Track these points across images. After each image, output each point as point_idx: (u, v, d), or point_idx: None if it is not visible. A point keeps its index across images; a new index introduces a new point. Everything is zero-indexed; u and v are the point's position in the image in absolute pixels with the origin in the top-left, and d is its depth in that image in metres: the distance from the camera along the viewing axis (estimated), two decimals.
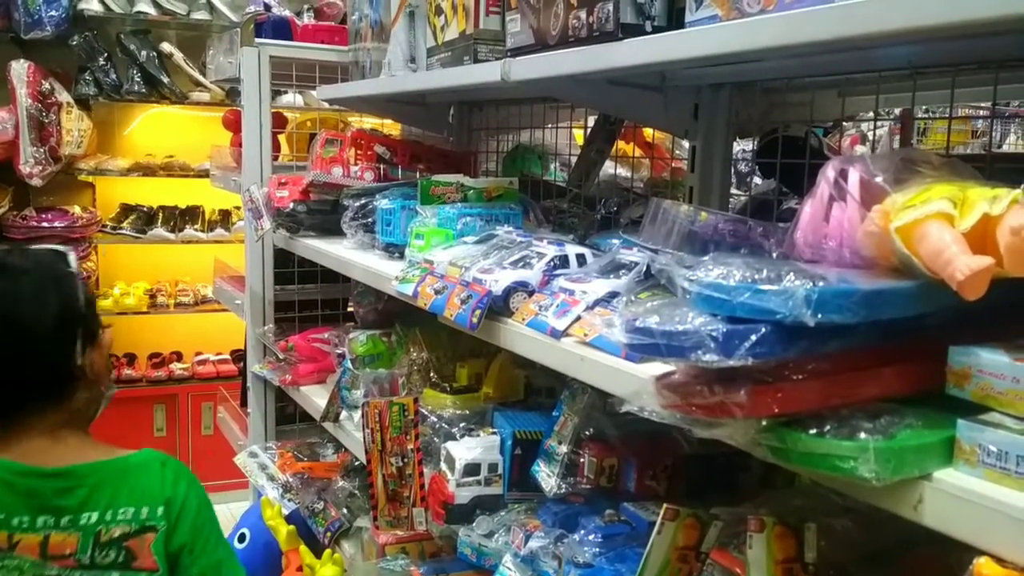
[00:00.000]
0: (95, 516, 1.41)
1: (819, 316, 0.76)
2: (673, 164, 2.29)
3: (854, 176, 0.92)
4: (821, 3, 0.99)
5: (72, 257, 1.54)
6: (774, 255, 1.16)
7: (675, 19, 1.30)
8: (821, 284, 0.78)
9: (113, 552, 1.40)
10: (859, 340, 0.83)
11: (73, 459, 1.44)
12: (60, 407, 1.47)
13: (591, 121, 2.31)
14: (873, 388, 0.85)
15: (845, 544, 1.12)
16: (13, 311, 1.42)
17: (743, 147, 2.20)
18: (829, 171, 0.94)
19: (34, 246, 1.61)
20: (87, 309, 1.51)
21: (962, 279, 0.75)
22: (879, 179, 0.89)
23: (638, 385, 0.98)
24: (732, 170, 1.86)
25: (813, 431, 0.80)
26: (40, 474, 1.41)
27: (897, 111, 2.47)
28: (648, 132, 2.39)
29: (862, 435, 0.78)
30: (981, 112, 2.43)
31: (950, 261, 0.76)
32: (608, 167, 2.32)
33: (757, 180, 2.20)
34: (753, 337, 0.77)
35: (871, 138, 2.83)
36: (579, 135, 2.60)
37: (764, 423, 0.82)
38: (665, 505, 1.10)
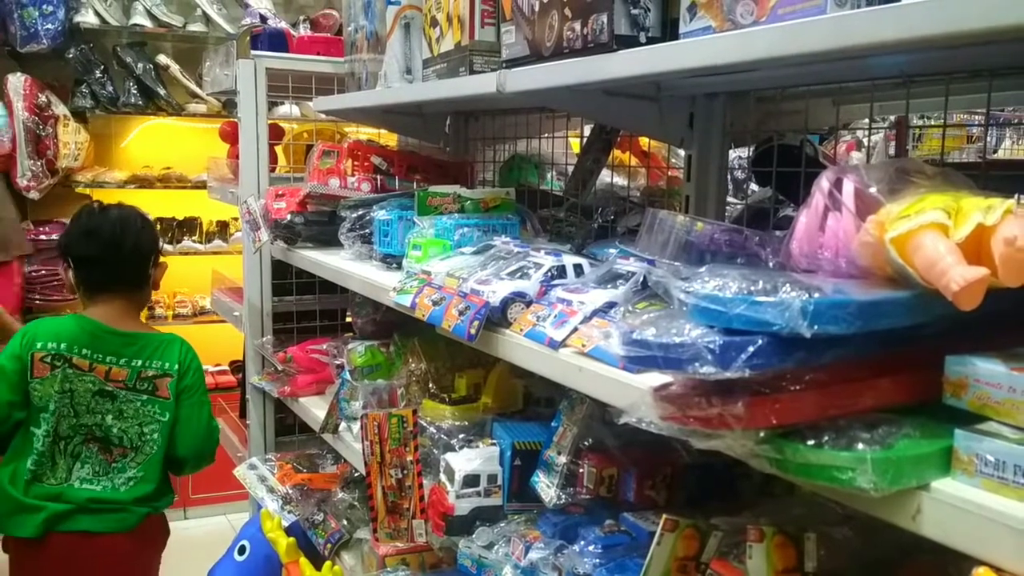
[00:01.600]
0: (139, 362, 2.38)
1: (815, 327, 0.77)
2: (669, 173, 2.29)
3: (849, 186, 0.92)
4: (813, 14, 1.00)
5: (147, 214, 2.59)
6: (770, 265, 1.16)
7: (669, 30, 1.31)
8: (817, 295, 0.78)
9: (146, 384, 2.39)
10: (855, 350, 0.83)
11: (132, 328, 2.44)
12: (131, 296, 2.48)
13: (587, 130, 2.32)
14: (870, 398, 0.85)
15: (845, 553, 1.12)
16: (121, 232, 2.42)
17: (738, 154, 2.22)
18: (824, 181, 0.95)
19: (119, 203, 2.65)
20: (157, 243, 2.55)
21: (957, 289, 0.75)
22: (873, 189, 0.90)
23: (636, 396, 0.98)
24: (728, 178, 1.86)
25: (811, 442, 0.80)
26: (113, 332, 2.39)
27: (892, 118, 2.49)
28: (644, 141, 2.40)
29: (860, 446, 0.78)
30: (976, 119, 2.45)
31: (945, 272, 0.76)
32: (604, 176, 2.33)
33: (754, 187, 2.21)
34: (750, 349, 0.77)
35: (866, 144, 2.85)
36: (575, 143, 2.61)
37: (762, 434, 0.82)
38: (664, 516, 1.10)
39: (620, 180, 2.39)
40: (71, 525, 2.32)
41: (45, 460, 2.32)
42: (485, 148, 2.75)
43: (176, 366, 2.40)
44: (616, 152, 2.39)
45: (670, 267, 1.12)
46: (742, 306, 0.78)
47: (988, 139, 2.93)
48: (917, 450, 0.80)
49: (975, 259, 0.79)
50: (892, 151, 2.83)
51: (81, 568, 2.34)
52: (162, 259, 2.57)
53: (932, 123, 2.94)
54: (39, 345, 2.31)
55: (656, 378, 0.97)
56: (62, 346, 2.32)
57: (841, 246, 0.92)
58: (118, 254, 2.40)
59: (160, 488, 2.43)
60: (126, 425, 2.37)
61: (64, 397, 2.32)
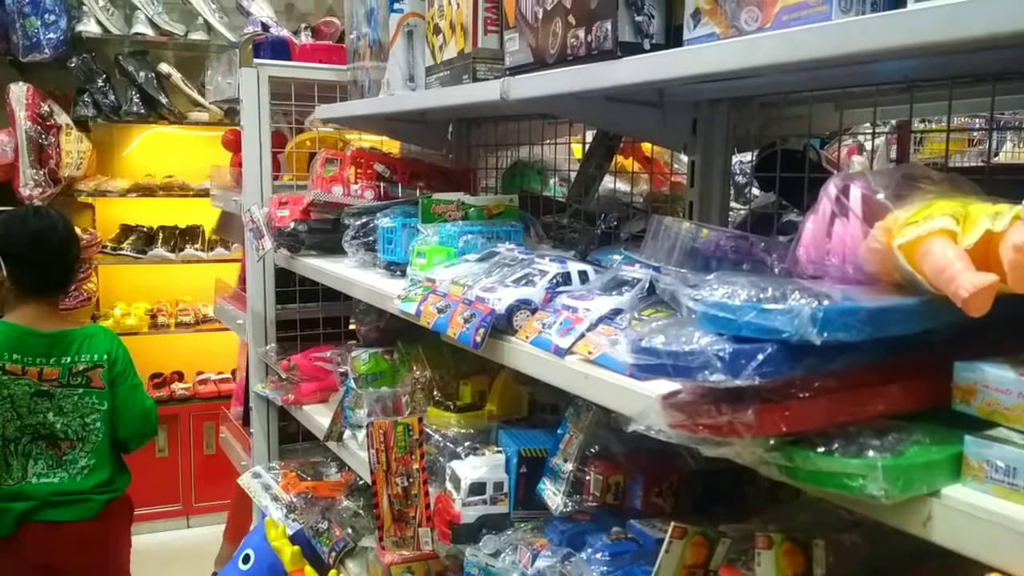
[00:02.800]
0: (68, 359, 2.54)
1: (825, 334, 0.76)
2: (672, 178, 2.29)
3: (856, 192, 0.92)
4: (818, 20, 1.00)
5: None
6: (776, 271, 1.16)
7: (673, 37, 1.31)
8: (826, 302, 0.78)
9: (79, 378, 2.56)
10: (865, 357, 0.83)
11: (56, 327, 2.58)
12: (54, 298, 2.64)
13: (589, 136, 2.32)
14: (880, 405, 0.85)
15: (854, 559, 1.12)
16: (52, 236, 2.57)
17: (739, 158, 2.22)
18: (831, 187, 0.95)
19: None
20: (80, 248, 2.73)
21: (966, 296, 0.75)
22: (881, 195, 0.90)
23: (644, 404, 0.98)
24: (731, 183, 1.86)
25: (821, 449, 0.80)
26: (38, 334, 2.54)
27: (893, 122, 2.49)
28: (647, 146, 2.40)
29: (870, 453, 0.78)
30: (977, 122, 2.45)
31: (954, 278, 0.76)
32: (607, 182, 2.33)
33: (755, 191, 2.21)
34: (759, 356, 0.77)
35: (868, 148, 2.84)
36: (577, 149, 2.61)
37: (772, 442, 0.82)
38: (673, 523, 1.10)
39: (623, 186, 2.40)
40: (39, 517, 2.51)
41: (12, 460, 2.51)
42: (488, 154, 2.76)
43: (105, 356, 2.59)
44: (619, 158, 2.39)
45: (678, 274, 1.12)
46: (752, 313, 0.78)
47: (986, 139, 2.93)
48: (927, 457, 0.79)
49: (983, 265, 0.78)
50: (894, 155, 2.84)
51: (54, 555, 2.52)
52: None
53: (933, 127, 2.94)
54: None
55: (664, 386, 0.97)
56: None
57: (848, 252, 0.92)
58: (62, 258, 2.60)
59: (114, 473, 2.65)
60: (68, 419, 2.56)
61: (4, 402, 2.49)
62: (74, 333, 2.60)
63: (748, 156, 2.08)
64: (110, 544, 2.70)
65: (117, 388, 2.61)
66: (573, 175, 2.39)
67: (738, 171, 2.21)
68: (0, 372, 2.47)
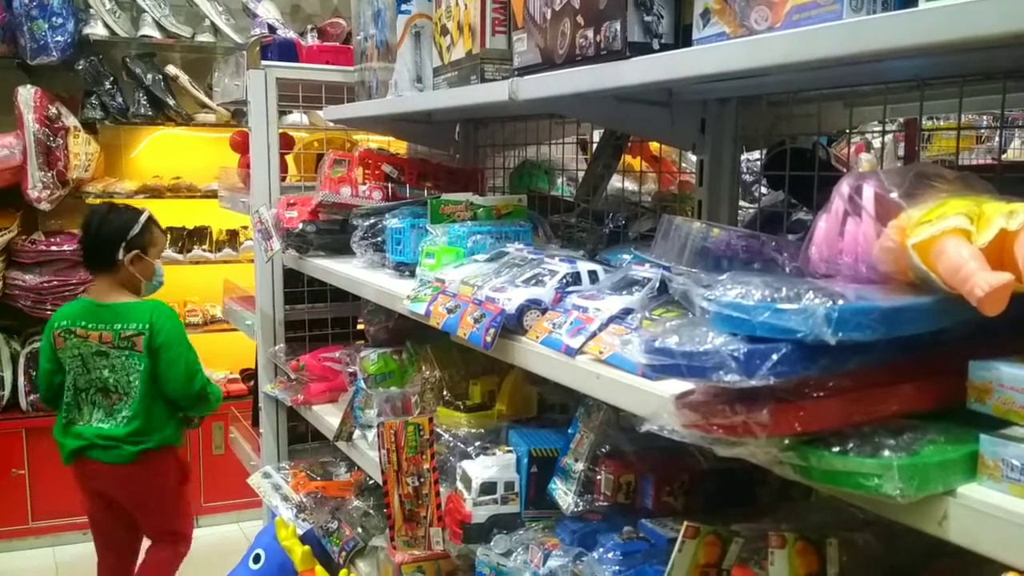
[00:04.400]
0: (119, 326, 3.03)
1: (840, 334, 0.76)
2: (680, 177, 2.29)
3: (868, 191, 0.92)
4: (829, 19, 1.00)
5: (144, 214, 3.16)
6: (787, 270, 1.16)
7: (682, 36, 1.31)
8: (840, 302, 0.78)
9: (126, 342, 3.03)
10: (879, 356, 0.83)
11: (115, 300, 3.08)
12: (111, 276, 3.11)
13: (596, 136, 2.32)
14: (894, 404, 0.85)
15: (867, 558, 1.12)
16: (90, 224, 3.14)
17: (746, 157, 2.21)
18: (844, 187, 0.95)
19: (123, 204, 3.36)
20: (135, 237, 3.10)
21: (982, 295, 0.75)
22: (894, 194, 0.90)
23: (656, 404, 0.98)
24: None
25: (836, 449, 0.80)
26: (101, 305, 3.08)
27: (901, 120, 2.48)
28: (655, 145, 2.40)
29: (886, 452, 0.78)
30: (984, 120, 2.44)
31: (969, 277, 0.76)
32: (615, 181, 2.33)
33: (763, 189, 2.21)
34: (774, 356, 0.77)
35: (876, 146, 2.84)
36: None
37: (786, 442, 0.82)
38: (686, 523, 1.10)
39: (631, 185, 2.40)
40: (89, 455, 3.10)
41: (73, 408, 3.11)
42: (495, 154, 2.76)
43: (146, 325, 3.03)
44: (627, 157, 2.39)
45: (691, 274, 1.12)
46: (766, 313, 0.78)
47: (997, 139, 2.92)
48: (943, 456, 0.79)
49: (998, 264, 0.78)
50: (901, 153, 2.83)
51: (102, 487, 3.17)
52: (139, 254, 3.12)
53: (941, 124, 2.93)
54: (56, 324, 3.10)
55: (676, 385, 0.98)
56: (68, 323, 3.08)
57: (861, 251, 0.92)
58: (89, 243, 3.16)
59: (149, 425, 3.09)
60: (118, 376, 3.08)
61: (76, 360, 3.08)
62: (128, 305, 3.09)
63: (755, 154, 2.08)
64: (144, 487, 3.18)
65: (160, 355, 3.03)
66: (580, 175, 2.39)
67: (745, 169, 2.21)
68: (74, 336, 3.06)
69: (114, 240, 3.07)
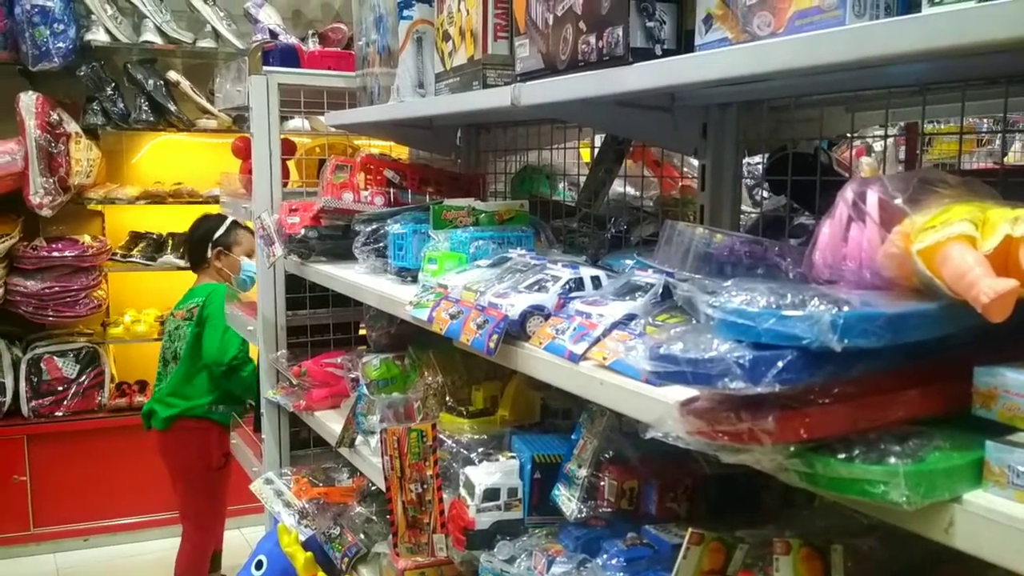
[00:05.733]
0: (190, 302, 3.66)
1: (845, 341, 0.76)
2: (682, 182, 2.29)
3: (872, 197, 0.92)
4: (831, 25, 1.00)
5: (230, 218, 3.71)
6: (791, 275, 1.16)
7: (684, 42, 1.32)
8: (846, 309, 0.78)
9: (188, 314, 3.62)
10: (884, 363, 0.83)
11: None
12: (203, 272, 3.77)
13: (598, 141, 2.32)
14: (900, 410, 0.85)
15: (872, 564, 1.12)
16: (192, 231, 3.87)
17: (747, 161, 2.21)
18: (848, 192, 0.95)
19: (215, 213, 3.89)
20: (220, 237, 3.73)
21: (987, 302, 0.75)
22: (898, 200, 0.90)
23: (661, 410, 0.98)
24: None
25: (842, 456, 0.80)
26: (188, 291, 3.76)
27: (902, 123, 2.48)
28: (656, 150, 2.40)
29: (892, 459, 0.77)
30: (984, 123, 2.44)
31: (974, 284, 0.76)
32: (617, 185, 2.33)
33: (764, 193, 2.21)
34: (780, 364, 0.77)
35: (877, 150, 2.83)
36: (586, 153, 2.62)
37: (792, 449, 0.82)
38: (690, 529, 1.10)
39: (632, 190, 2.40)
40: (150, 423, 3.64)
41: (161, 376, 3.71)
42: (496, 159, 2.76)
43: (203, 299, 3.55)
44: (628, 161, 2.39)
45: (696, 281, 1.12)
46: (771, 320, 0.78)
47: (997, 144, 2.92)
48: (949, 462, 0.79)
49: (1003, 270, 0.78)
50: (902, 157, 2.83)
51: (156, 452, 3.68)
52: (223, 251, 3.72)
53: (942, 128, 2.93)
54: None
55: (680, 392, 0.97)
56: (173, 310, 3.83)
57: (865, 257, 0.92)
58: (188, 245, 3.93)
59: (184, 390, 3.55)
60: (177, 345, 3.63)
61: (165, 336, 3.80)
62: (201, 286, 3.71)
63: (756, 158, 2.08)
64: (171, 457, 3.60)
65: (206, 323, 3.50)
66: (582, 179, 2.39)
67: (746, 173, 2.21)
68: (171, 317, 3.76)
69: (204, 241, 3.73)
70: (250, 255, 3.58)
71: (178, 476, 3.64)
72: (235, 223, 3.69)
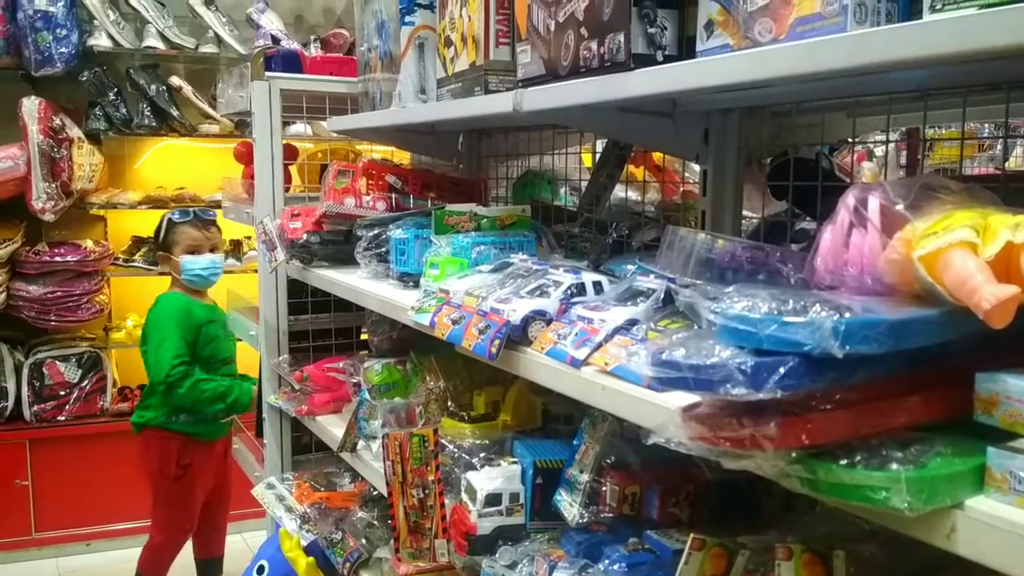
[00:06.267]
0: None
1: (847, 347, 0.77)
2: (684, 187, 2.29)
3: (874, 203, 0.92)
4: (833, 32, 1.00)
5: (164, 218, 3.58)
6: (792, 281, 1.16)
7: (685, 48, 1.32)
8: (848, 315, 0.78)
9: None
10: (886, 369, 0.83)
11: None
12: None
13: (599, 146, 2.32)
14: (902, 416, 0.85)
15: (874, 570, 1.12)
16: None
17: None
18: (849, 198, 0.95)
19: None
20: (161, 241, 3.56)
21: (988, 308, 0.75)
22: (899, 206, 0.90)
23: (663, 415, 0.98)
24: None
25: (844, 462, 0.80)
26: None
27: (903, 129, 2.48)
28: (658, 155, 2.40)
29: (893, 465, 0.78)
30: (986, 128, 2.45)
31: (975, 290, 0.76)
32: (618, 190, 2.33)
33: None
34: (782, 370, 0.77)
35: (878, 155, 2.84)
36: (587, 158, 2.62)
37: (794, 455, 0.82)
38: (692, 535, 1.10)
39: (634, 195, 2.40)
40: None
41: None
42: (498, 164, 2.76)
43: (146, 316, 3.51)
44: (630, 167, 2.40)
45: (698, 286, 1.12)
46: (773, 326, 0.79)
47: (999, 149, 2.92)
48: (950, 468, 0.79)
49: (1004, 277, 0.79)
50: (903, 162, 2.83)
51: None
52: (164, 255, 3.56)
53: (943, 134, 2.93)
54: None
55: (682, 397, 0.98)
56: None
57: (867, 263, 0.92)
58: None
59: (146, 401, 3.50)
60: None
61: None
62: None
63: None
64: (140, 463, 3.58)
65: (146, 342, 3.46)
66: (583, 184, 2.39)
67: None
68: None
69: (155, 249, 3.70)
70: (193, 251, 3.47)
71: (144, 481, 3.62)
72: (171, 221, 3.52)
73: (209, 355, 3.48)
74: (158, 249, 3.63)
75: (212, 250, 3.53)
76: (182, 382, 3.30)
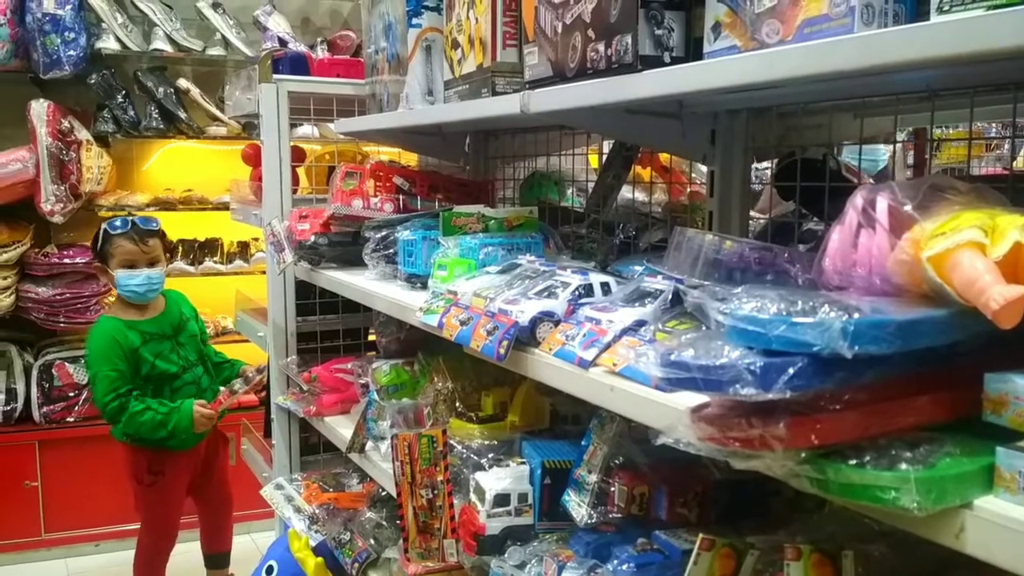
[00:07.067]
0: None
1: (856, 348, 0.77)
2: (691, 188, 2.30)
3: (882, 204, 0.93)
4: (840, 33, 1.00)
5: (100, 228, 3.37)
6: (801, 282, 1.16)
7: (692, 49, 1.32)
8: (856, 315, 0.78)
9: None
10: (895, 369, 0.83)
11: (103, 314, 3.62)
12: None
13: (606, 147, 2.33)
14: (911, 417, 0.85)
15: (883, 570, 1.12)
16: None
17: (754, 166, 2.21)
18: (858, 199, 0.95)
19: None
20: (100, 251, 3.35)
21: (997, 308, 0.75)
22: (907, 207, 0.90)
23: (672, 416, 0.99)
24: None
25: (853, 462, 0.80)
26: None
27: (910, 129, 2.48)
28: (664, 156, 2.41)
29: (903, 465, 0.78)
30: (993, 127, 2.44)
31: (984, 291, 0.76)
32: (625, 191, 2.34)
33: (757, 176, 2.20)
34: (791, 370, 0.78)
35: (891, 155, 2.83)
36: (594, 159, 2.62)
37: (803, 455, 0.82)
38: (701, 535, 1.10)
39: (641, 196, 2.40)
40: None
41: None
42: (505, 166, 2.77)
43: None
44: (636, 168, 2.40)
45: (706, 287, 1.13)
46: (782, 327, 0.79)
47: (1008, 149, 2.91)
48: (959, 468, 0.80)
49: (1012, 277, 0.79)
50: (911, 162, 2.82)
51: None
52: (100, 267, 3.40)
53: (950, 134, 2.92)
54: None
55: (691, 398, 0.98)
56: None
57: (875, 263, 0.92)
58: None
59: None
60: None
61: None
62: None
63: (764, 164, 2.08)
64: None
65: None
66: (590, 185, 2.40)
67: (754, 178, 2.22)
68: None
69: (94, 258, 3.44)
70: (130, 265, 3.26)
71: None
72: (106, 232, 3.30)
73: (156, 374, 3.30)
74: (95, 259, 3.42)
75: (152, 264, 3.29)
76: (118, 416, 3.19)
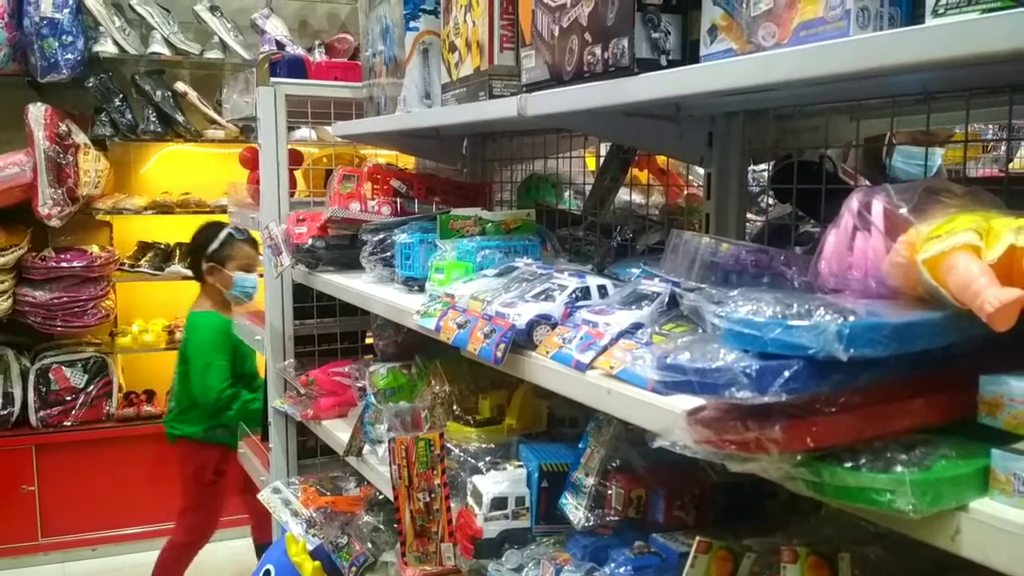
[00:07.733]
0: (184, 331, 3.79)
1: (851, 351, 0.77)
2: (688, 190, 2.30)
3: (878, 207, 0.93)
4: (836, 36, 1.01)
5: (224, 230, 3.64)
6: (796, 284, 1.17)
7: (689, 52, 1.32)
8: (852, 318, 0.79)
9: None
10: (890, 372, 0.83)
11: (193, 309, 3.73)
12: (202, 286, 3.71)
13: (603, 149, 2.33)
14: (906, 419, 0.86)
15: (879, 572, 1.12)
16: (190, 243, 3.78)
17: (751, 168, 2.22)
18: (853, 202, 0.95)
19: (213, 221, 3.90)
20: (214, 252, 3.61)
21: (992, 311, 0.75)
22: (903, 210, 0.90)
23: (668, 419, 0.99)
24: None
25: (848, 464, 0.80)
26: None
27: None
28: (662, 159, 2.41)
29: (898, 468, 0.78)
30: (989, 129, 2.45)
31: (979, 293, 0.77)
32: (622, 194, 2.34)
33: (769, 200, 2.21)
34: (786, 373, 0.78)
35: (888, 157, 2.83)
36: (591, 162, 2.63)
37: (799, 457, 0.82)
38: (698, 538, 1.10)
39: (638, 198, 2.40)
40: None
41: (172, 391, 3.87)
42: (502, 168, 2.77)
43: (186, 333, 3.68)
44: (634, 170, 2.40)
45: (702, 290, 1.13)
46: (777, 330, 0.79)
47: (1003, 150, 2.92)
48: (955, 471, 0.80)
49: (1007, 280, 0.79)
50: None
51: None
52: (215, 266, 3.60)
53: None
54: None
55: (687, 401, 0.98)
56: None
57: (871, 266, 0.93)
58: (188, 257, 3.87)
59: (179, 417, 3.67)
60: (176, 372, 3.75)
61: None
62: (191, 315, 3.72)
63: (761, 166, 2.08)
64: (176, 467, 3.77)
65: (188, 362, 3.61)
66: (587, 188, 2.40)
67: (751, 180, 2.22)
68: None
69: (198, 254, 3.65)
70: (248, 269, 3.57)
71: (179, 486, 3.78)
72: (231, 236, 3.62)
73: (247, 372, 3.64)
74: (206, 259, 3.63)
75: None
76: (231, 404, 3.49)
